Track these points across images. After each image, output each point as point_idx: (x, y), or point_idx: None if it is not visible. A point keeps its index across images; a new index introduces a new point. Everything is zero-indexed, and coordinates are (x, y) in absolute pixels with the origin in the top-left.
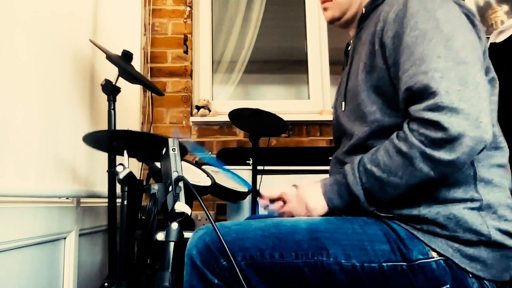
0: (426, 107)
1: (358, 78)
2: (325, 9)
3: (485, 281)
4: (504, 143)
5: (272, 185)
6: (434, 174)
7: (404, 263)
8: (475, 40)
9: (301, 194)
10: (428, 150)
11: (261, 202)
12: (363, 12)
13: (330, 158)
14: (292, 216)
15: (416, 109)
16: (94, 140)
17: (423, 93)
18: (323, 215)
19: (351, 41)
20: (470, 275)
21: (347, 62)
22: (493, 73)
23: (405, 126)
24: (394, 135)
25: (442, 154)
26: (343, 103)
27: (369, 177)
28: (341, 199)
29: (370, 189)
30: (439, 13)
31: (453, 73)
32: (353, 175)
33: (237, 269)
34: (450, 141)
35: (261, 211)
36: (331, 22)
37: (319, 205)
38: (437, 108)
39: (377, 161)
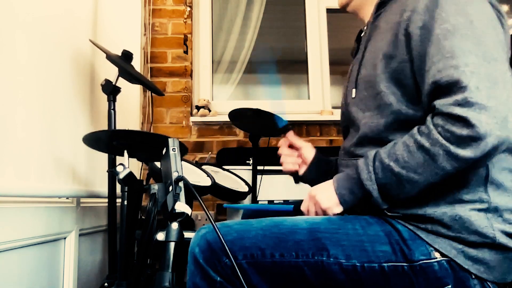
0: (455, 101)
1: (377, 67)
2: None
3: (488, 283)
4: None
5: (272, 185)
6: (452, 170)
7: (406, 264)
8: (503, 39)
9: (313, 194)
10: (453, 148)
11: None
12: None
13: (330, 158)
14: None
15: (444, 103)
16: (94, 140)
17: (453, 87)
18: (341, 214)
19: (365, 28)
20: (473, 276)
21: (359, 49)
22: None
23: (429, 120)
24: (415, 130)
25: (467, 152)
26: (354, 90)
27: (386, 172)
28: (353, 195)
29: (385, 184)
30: (471, 8)
31: (483, 69)
32: (367, 170)
33: (236, 268)
34: (476, 139)
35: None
36: (343, 7)
37: (332, 203)
38: (466, 103)
39: (395, 156)
